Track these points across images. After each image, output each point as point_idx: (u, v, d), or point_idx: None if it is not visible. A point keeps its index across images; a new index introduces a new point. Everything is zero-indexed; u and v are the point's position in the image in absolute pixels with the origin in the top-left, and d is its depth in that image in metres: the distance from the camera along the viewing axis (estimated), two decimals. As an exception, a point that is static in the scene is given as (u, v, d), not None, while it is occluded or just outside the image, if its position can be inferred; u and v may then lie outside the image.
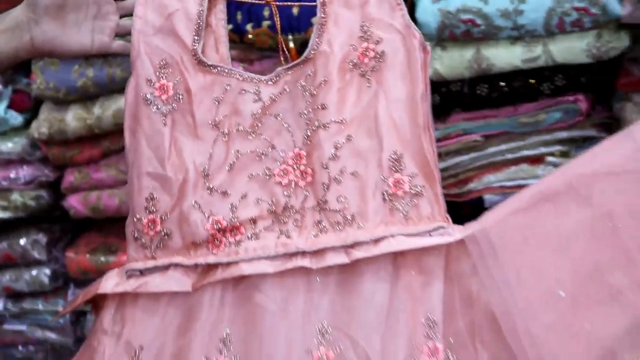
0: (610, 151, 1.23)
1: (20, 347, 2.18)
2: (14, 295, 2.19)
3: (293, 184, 1.29)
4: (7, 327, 2.18)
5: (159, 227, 1.30)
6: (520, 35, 1.62)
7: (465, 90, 1.77)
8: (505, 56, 1.67)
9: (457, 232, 1.24)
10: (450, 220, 1.27)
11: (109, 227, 1.99)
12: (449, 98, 1.74)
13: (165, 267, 1.29)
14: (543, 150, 1.66)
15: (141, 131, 1.33)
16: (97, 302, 1.35)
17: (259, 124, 1.31)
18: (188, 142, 1.32)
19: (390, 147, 1.27)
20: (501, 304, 1.20)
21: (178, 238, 1.29)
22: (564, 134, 1.65)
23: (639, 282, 1.16)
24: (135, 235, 1.32)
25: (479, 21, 1.61)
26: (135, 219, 1.32)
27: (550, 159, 1.66)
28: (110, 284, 1.31)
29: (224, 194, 1.29)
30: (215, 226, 1.27)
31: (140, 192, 1.32)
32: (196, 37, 1.35)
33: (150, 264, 1.30)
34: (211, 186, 1.29)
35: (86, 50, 1.37)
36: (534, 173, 1.67)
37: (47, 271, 2.13)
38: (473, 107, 1.80)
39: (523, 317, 1.18)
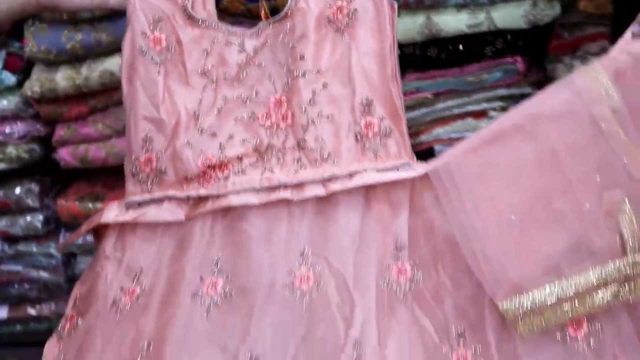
0: (553, 95, 1.25)
1: (16, 285, 2.14)
2: (10, 239, 2.17)
3: (275, 126, 1.30)
4: (4, 267, 2.14)
5: (154, 165, 1.31)
6: (465, 3, 1.65)
7: (417, 52, 1.78)
8: (452, 22, 1.69)
9: (421, 168, 1.26)
10: (415, 158, 1.30)
11: (96, 177, 1.97)
12: (402, 60, 1.72)
13: (161, 200, 1.31)
14: (485, 105, 1.68)
15: (137, 79, 1.33)
16: (99, 232, 1.36)
17: (244, 73, 1.32)
18: (180, 89, 1.32)
19: (361, 93, 1.29)
20: (461, 229, 1.23)
21: (172, 174, 1.30)
22: (504, 92, 1.68)
23: (578, 208, 1.19)
24: (133, 172, 1.32)
25: (430, -9, 1.63)
26: (133, 158, 1.32)
27: (492, 113, 1.68)
28: (111, 214, 1.32)
29: (213, 134, 1.30)
30: (205, 163, 1.29)
31: (137, 133, 1.32)
32: None
33: (147, 197, 1.31)
34: (201, 128, 1.30)
35: (86, 5, 1.37)
36: (478, 126, 1.68)
37: (40, 217, 2.11)
38: (424, 68, 1.81)
39: (480, 239, 1.21)
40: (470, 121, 1.70)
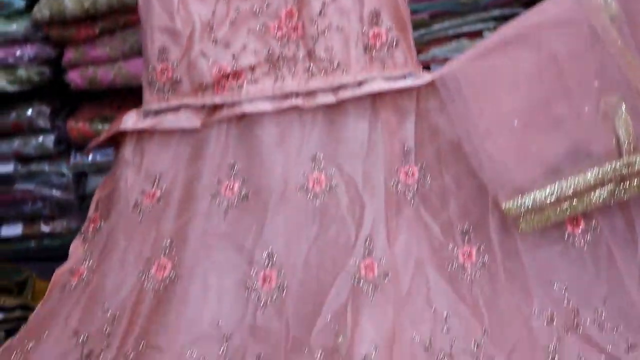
0: (554, 5, 1.25)
1: (29, 204, 2.15)
2: (23, 159, 2.13)
3: (286, 37, 1.29)
4: (18, 186, 2.14)
5: (170, 74, 1.30)
6: None
7: None
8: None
9: (427, 76, 1.26)
10: (421, 67, 1.29)
11: (104, 99, 1.96)
12: None
13: (177, 108, 1.30)
14: (480, 26, 1.65)
15: None
16: (118, 140, 1.35)
17: None
18: (194, 0, 1.30)
19: (370, 5, 1.28)
20: (466, 133, 1.23)
21: (187, 83, 1.29)
22: (497, 12, 1.64)
23: (577, 112, 1.20)
24: (150, 81, 1.31)
25: None
26: (149, 68, 1.31)
27: (486, 34, 1.65)
28: (130, 122, 1.31)
29: (227, 45, 1.28)
30: (219, 72, 1.27)
31: (152, 44, 1.30)
32: None
33: (164, 105, 1.30)
34: (215, 38, 1.28)
35: None
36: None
37: (52, 137, 2.07)
38: None
39: (482, 140, 1.22)
40: (465, 42, 1.67)
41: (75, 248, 1.33)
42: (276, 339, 1.25)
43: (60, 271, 1.31)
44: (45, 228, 2.11)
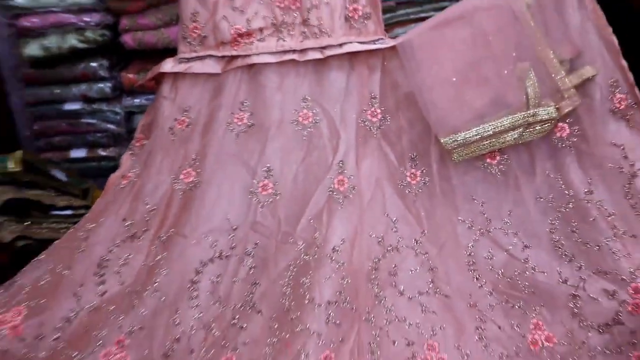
0: None
1: (92, 134, 2.15)
2: (88, 100, 2.13)
3: (287, 7, 1.31)
4: (83, 120, 2.12)
5: (199, 32, 1.32)
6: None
7: None
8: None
9: (391, 42, 1.30)
10: (387, 35, 1.32)
11: (149, 57, 1.95)
12: None
13: (203, 57, 1.33)
14: (432, 13, 1.64)
15: None
16: (159, 80, 1.38)
17: None
18: None
19: None
20: (417, 85, 1.26)
21: (212, 39, 1.31)
22: (447, 4, 1.64)
23: (499, 74, 1.24)
24: (184, 36, 1.33)
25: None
26: (184, 27, 1.33)
27: None
28: (168, 66, 1.34)
29: (242, 11, 1.30)
30: (236, 32, 1.30)
31: (187, 8, 1.32)
32: None
33: (194, 54, 1.33)
34: (234, 6, 1.30)
35: None
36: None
37: (109, 85, 2.08)
38: None
39: (430, 94, 1.25)
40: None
41: (125, 159, 1.36)
42: (270, 232, 1.27)
43: (114, 176, 1.35)
44: (102, 152, 2.13)
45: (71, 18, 2.00)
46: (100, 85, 2.09)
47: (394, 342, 1.15)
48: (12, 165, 1.76)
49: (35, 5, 1.97)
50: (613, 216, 1.22)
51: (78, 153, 2.19)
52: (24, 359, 1.12)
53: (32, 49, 2.02)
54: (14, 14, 2.01)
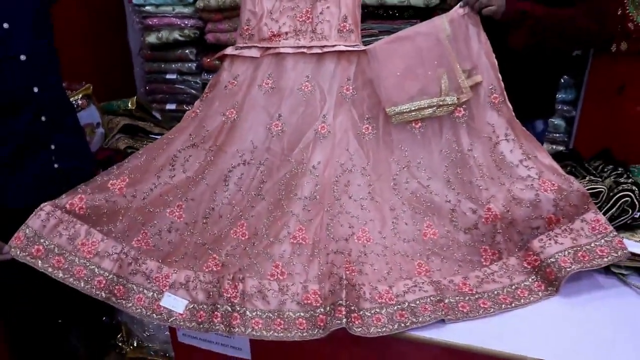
0: (424, 25, 1.32)
1: (181, 95, 2.27)
2: (181, 73, 2.24)
3: (303, 21, 1.35)
4: (177, 86, 2.26)
5: (250, 31, 1.37)
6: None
7: (372, 9, 1.85)
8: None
9: (364, 47, 1.34)
10: (362, 43, 1.36)
11: (220, 49, 1.88)
12: (364, 12, 1.77)
13: (250, 47, 1.37)
14: None
15: None
16: (222, 59, 1.40)
17: None
18: None
19: (343, 11, 1.33)
20: (376, 75, 1.31)
21: (257, 37, 1.36)
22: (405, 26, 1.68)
23: (426, 74, 1.28)
24: (240, 34, 1.38)
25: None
26: (240, 28, 1.38)
27: None
28: (229, 50, 1.39)
29: (277, 21, 1.35)
30: (271, 33, 1.35)
31: (244, 17, 1.36)
32: None
33: (244, 45, 1.38)
34: (272, 18, 1.35)
35: None
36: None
37: (195, 64, 2.20)
38: (375, 18, 1.88)
39: (383, 82, 1.30)
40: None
41: (197, 103, 1.38)
42: (276, 153, 1.33)
43: (188, 112, 1.38)
44: (186, 108, 2.23)
45: (177, 21, 2.16)
46: (189, 64, 2.23)
47: (341, 225, 1.24)
48: (130, 105, 1.94)
49: (156, 11, 2.15)
50: (481, 165, 1.28)
51: (171, 106, 2.31)
52: (125, 207, 1.21)
53: (151, 38, 2.19)
54: (143, 16, 2.20)
